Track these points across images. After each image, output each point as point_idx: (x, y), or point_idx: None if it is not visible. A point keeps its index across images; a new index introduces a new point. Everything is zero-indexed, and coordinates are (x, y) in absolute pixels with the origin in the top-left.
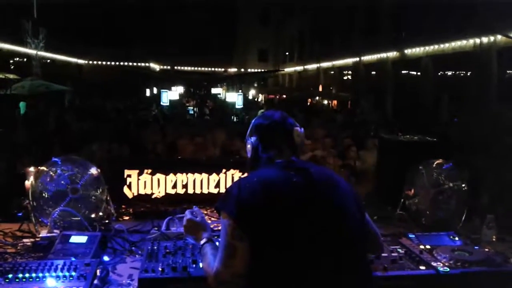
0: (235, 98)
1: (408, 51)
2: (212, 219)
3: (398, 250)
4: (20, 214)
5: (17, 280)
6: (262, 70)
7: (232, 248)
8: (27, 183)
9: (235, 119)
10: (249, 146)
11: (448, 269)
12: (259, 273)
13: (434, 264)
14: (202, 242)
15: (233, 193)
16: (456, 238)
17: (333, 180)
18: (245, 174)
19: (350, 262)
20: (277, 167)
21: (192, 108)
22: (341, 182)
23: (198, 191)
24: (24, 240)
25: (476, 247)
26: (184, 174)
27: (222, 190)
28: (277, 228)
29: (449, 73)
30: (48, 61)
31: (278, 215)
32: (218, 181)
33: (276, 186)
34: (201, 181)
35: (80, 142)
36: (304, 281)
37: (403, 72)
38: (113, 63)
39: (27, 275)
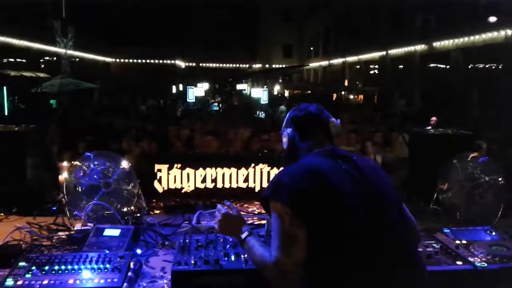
0: (260, 94)
1: (436, 44)
2: (242, 213)
3: (433, 245)
4: (55, 208)
5: (53, 272)
6: (287, 66)
7: (292, 236)
8: (61, 178)
9: (261, 115)
10: (285, 137)
11: (486, 265)
12: (318, 261)
13: (471, 259)
14: (244, 236)
15: (284, 181)
16: (493, 233)
17: (375, 167)
18: (274, 168)
19: (404, 248)
20: (321, 155)
21: (217, 104)
22: (381, 171)
23: (227, 185)
24: (59, 233)
25: None
26: (213, 168)
27: (251, 184)
28: (334, 214)
29: (480, 65)
30: (77, 59)
31: (334, 201)
32: (247, 176)
33: (327, 173)
34: (230, 175)
35: (109, 139)
36: (367, 265)
37: (431, 65)
38: (139, 61)
39: (62, 267)
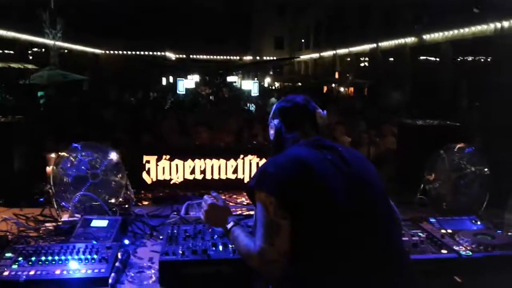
0: (250, 86)
1: (426, 37)
2: (231, 204)
3: (419, 234)
4: (42, 199)
5: (40, 263)
6: (278, 58)
7: (276, 226)
8: (48, 169)
9: (251, 107)
10: (272, 128)
11: (471, 253)
12: (301, 250)
13: (456, 248)
14: (229, 225)
15: (269, 171)
16: (478, 222)
17: (361, 158)
18: (263, 159)
19: (390, 238)
20: (306, 145)
21: (208, 96)
22: (367, 161)
23: (216, 176)
24: (46, 224)
25: (499, 231)
26: (202, 160)
27: (240, 175)
28: (319, 204)
29: (469, 58)
30: (66, 51)
31: (318, 191)
32: (236, 167)
33: (312, 163)
34: (219, 166)
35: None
36: (348, 256)
37: (421, 58)
38: (129, 52)
39: (49, 258)
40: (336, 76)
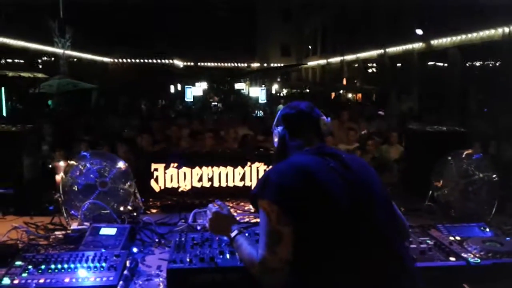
0: (258, 93)
1: (434, 42)
2: (238, 211)
3: (427, 241)
4: (52, 207)
5: (49, 271)
6: (285, 65)
7: (278, 234)
8: (58, 177)
9: (259, 114)
10: (276, 135)
11: (479, 260)
12: (304, 258)
13: (464, 255)
14: (233, 234)
15: (272, 179)
16: (487, 230)
17: (365, 166)
18: (270, 167)
19: (395, 245)
20: (309, 153)
21: (216, 104)
22: (370, 168)
23: (223, 184)
24: (56, 233)
25: (507, 238)
26: (210, 167)
27: (247, 183)
28: (321, 212)
29: (477, 63)
30: (75, 60)
31: (321, 199)
32: (243, 174)
33: (315, 171)
34: (226, 174)
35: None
36: (353, 262)
37: (429, 63)
38: (138, 60)
39: (59, 266)
40: (344, 82)
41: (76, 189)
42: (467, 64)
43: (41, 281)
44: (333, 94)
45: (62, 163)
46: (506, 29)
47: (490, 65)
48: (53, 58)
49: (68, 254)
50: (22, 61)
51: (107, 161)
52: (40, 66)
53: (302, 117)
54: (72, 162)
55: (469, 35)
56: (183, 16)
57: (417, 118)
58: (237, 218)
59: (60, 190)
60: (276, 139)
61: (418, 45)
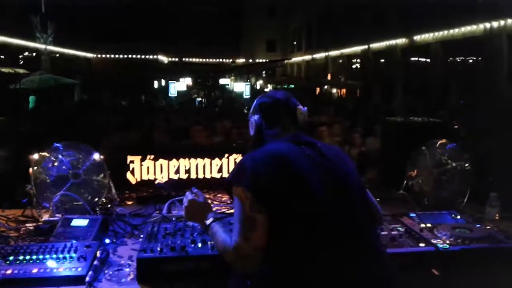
0: (242, 88)
1: (417, 37)
2: (215, 202)
3: (398, 228)
4: (25, 200)
5: (17, 262)
6: (270, 60)
7: (252, 220)
8: (31, 170)
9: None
10: (252, 124)
11: (448, 246)
12: (278, 246)
13: (434, 241)
14: (208, 221)
15: (247, 166)
16: (458, 217)
17: (340, 154)
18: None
19: (367, 232)
20: (285, 141)
21: (200, 99)
22: (346, 157)
23: (201, 176)
24: (27, 225)
25: (478, 225)
26: (187, 159)
27: (225, 174)
28: (295, 199)
29: (459, 59)
30: (57, 55)
31: (296, 186)
32: (221, 166)
33: (290, 159)
34: (204, 166)
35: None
36: (326, 249)
37: (412, 59)
38: (121, 56)
39: (28, 257)
40: (329, 77)
41: (48, 180)
42: (449, 60)
43: (8, 272)
44: (318, 90)
45: (36, 155)
46: (488, 25)
47: (471, 60)
48: (34, 54)
49: (38, 246)
50: (2, 56)
51: (81, 153)
52: (21, 62)
53: (278, 105)
54: (45, 153)
55: (451, 31)
56: (169, 12)
57: (412, 110)
58: (214, 209)
59: (32, 182)
60: (252, 127)
61: (401, 41)
